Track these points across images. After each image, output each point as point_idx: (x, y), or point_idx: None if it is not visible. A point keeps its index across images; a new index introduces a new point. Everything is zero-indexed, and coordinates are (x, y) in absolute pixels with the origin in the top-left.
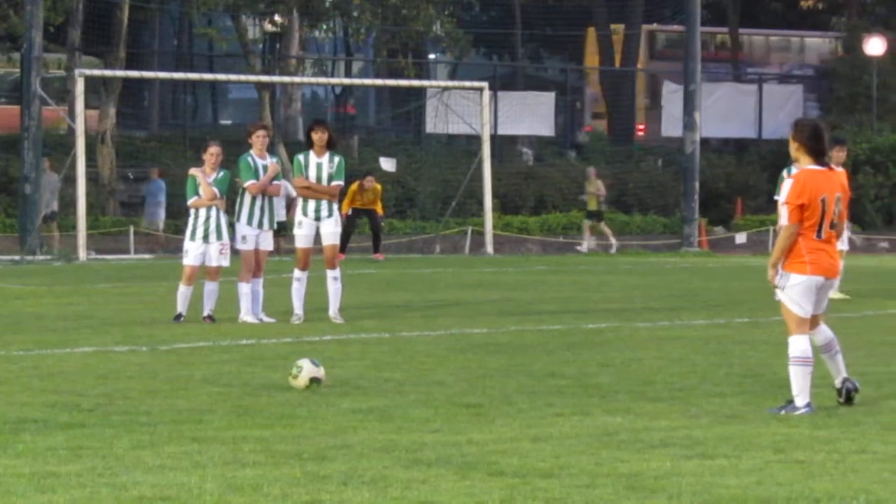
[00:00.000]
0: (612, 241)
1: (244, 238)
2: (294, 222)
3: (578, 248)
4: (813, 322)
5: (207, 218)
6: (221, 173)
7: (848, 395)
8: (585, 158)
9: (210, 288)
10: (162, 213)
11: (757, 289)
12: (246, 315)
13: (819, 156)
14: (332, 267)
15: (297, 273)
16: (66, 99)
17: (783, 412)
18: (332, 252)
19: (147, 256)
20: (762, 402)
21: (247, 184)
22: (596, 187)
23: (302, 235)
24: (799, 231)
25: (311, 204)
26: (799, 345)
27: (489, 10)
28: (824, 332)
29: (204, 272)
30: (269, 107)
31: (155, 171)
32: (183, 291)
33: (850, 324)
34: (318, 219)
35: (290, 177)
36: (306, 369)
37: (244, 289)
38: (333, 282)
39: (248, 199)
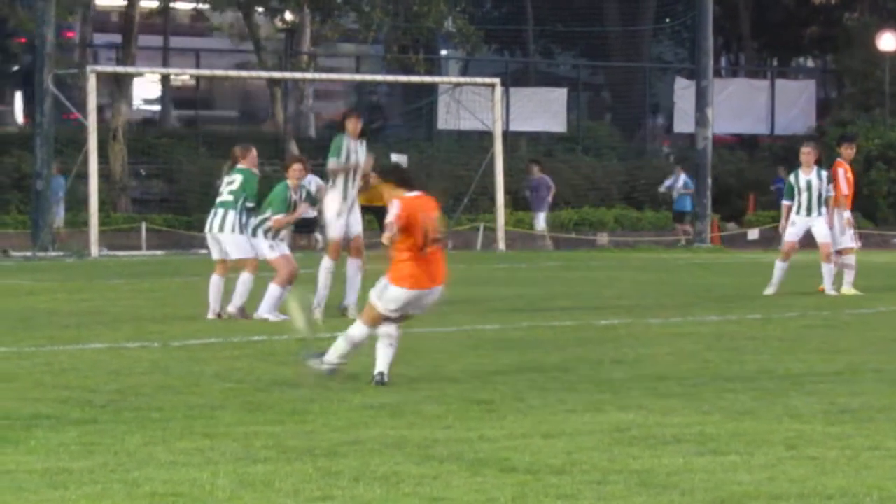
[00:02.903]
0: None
1: (272, 247)
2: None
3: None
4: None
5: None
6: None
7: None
8: (597, 155)
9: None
10: (61, 211)
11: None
12: (266, 312)
13: (408, 186)
14: (359, 256)
15: (329, 263)
16: (79, 96)
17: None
18: (359, 241)
19: (159, 253)
20: (775, 399)
21: (274, 218)
22: None
23: (339, 226)
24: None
25: (343, 195)
26: (360, 329)
27: (501, 6)
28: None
29: (242, 265)
30: (280, 103)
31: (54, 166)
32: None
33: (863, 320)
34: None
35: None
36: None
37: (276, 291)
38: (357, 272)
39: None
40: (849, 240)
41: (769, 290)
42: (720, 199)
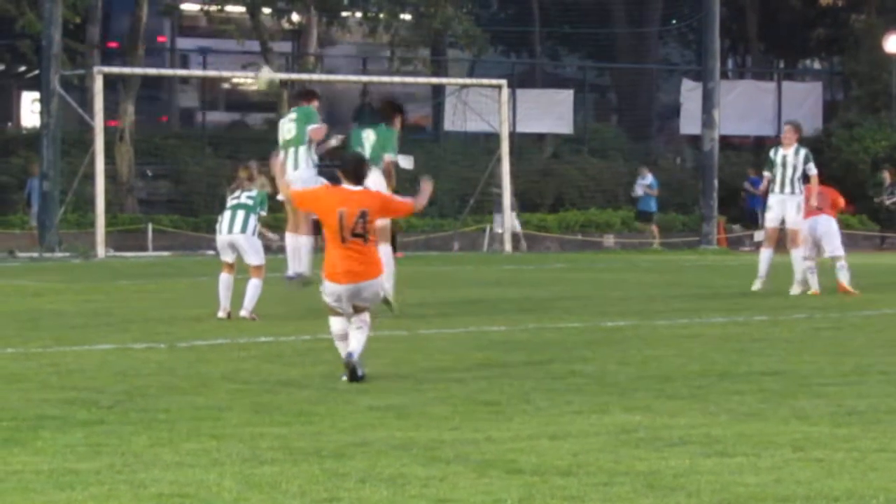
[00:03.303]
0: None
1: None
2: None
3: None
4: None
5: None
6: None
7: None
8: (604, 157)
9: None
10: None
11: (776, 286)
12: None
13: (354, 181)
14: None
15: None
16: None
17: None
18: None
19: (166, 254)
20: (781, 401)
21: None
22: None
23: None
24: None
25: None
26: (335, 324)
27: (507, 7)
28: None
29: (255, 270)
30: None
31: (35, 167)
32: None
33: (870, 322)
34: None
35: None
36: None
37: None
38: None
39: None
40: (840, 247)
41: (756, 286)
42: (727, 200)
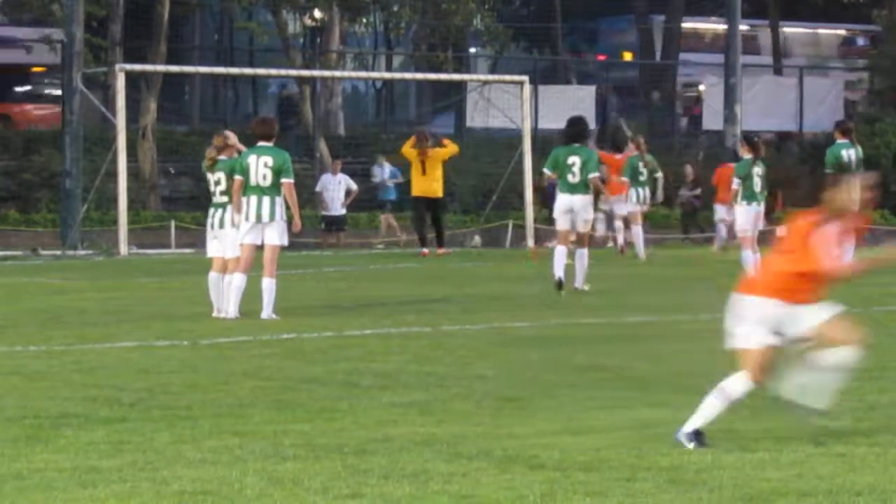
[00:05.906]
0: None
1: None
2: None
3: None
4: None
5: None
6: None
7: None
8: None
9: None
10: None
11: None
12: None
13: None
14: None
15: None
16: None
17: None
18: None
19: (188, 251)
20: None
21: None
22: None
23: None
24: None
25: None
26: None
27: (529, 3)
28: None
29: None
30: (309, 101)
31: None
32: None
33: (890, 316)
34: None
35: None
36: None
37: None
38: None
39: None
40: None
41: None
42: None
